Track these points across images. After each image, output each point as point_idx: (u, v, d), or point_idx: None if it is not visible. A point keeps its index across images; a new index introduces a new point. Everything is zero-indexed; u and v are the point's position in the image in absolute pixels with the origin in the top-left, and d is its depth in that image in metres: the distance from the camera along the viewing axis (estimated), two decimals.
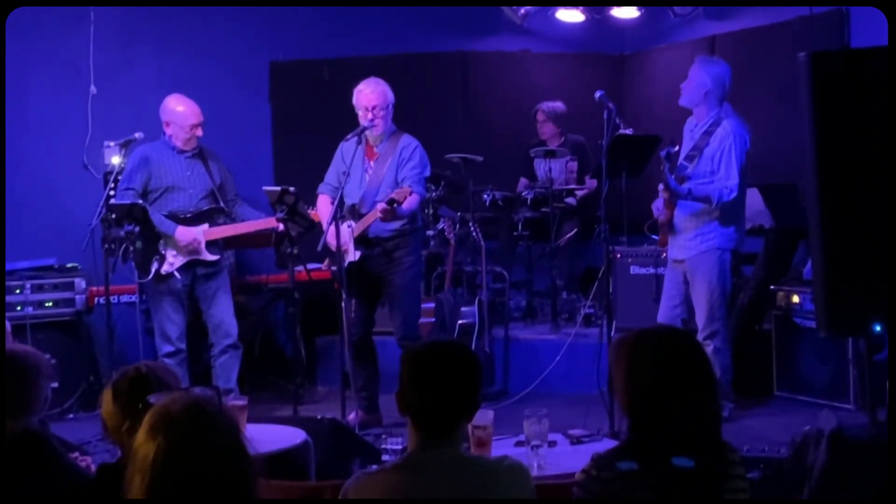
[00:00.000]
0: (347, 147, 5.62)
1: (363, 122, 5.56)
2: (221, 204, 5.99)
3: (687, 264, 5.49)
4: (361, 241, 5.55)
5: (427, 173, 5.68)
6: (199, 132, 5.91)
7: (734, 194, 5.32)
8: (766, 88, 6.97)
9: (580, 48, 8.32)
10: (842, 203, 4.39)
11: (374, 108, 5.53)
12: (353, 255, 5.55)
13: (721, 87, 5.45)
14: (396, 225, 5.54)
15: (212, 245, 5.91)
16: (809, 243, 4.96)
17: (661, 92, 6.88)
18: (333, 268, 5.59)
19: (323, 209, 5.69)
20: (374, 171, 5.63)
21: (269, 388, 6.72)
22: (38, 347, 3.35)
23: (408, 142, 5.62)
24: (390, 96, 5.60)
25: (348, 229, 5.55)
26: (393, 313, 5.68)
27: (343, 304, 5.53)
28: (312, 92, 7.92)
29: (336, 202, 5.43)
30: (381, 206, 5.30)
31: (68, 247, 6.54)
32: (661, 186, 5.33)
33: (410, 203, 5.42)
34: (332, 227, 5.37)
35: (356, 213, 5.60)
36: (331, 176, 5.77)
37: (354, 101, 5.62)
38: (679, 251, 5.52)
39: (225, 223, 5.98)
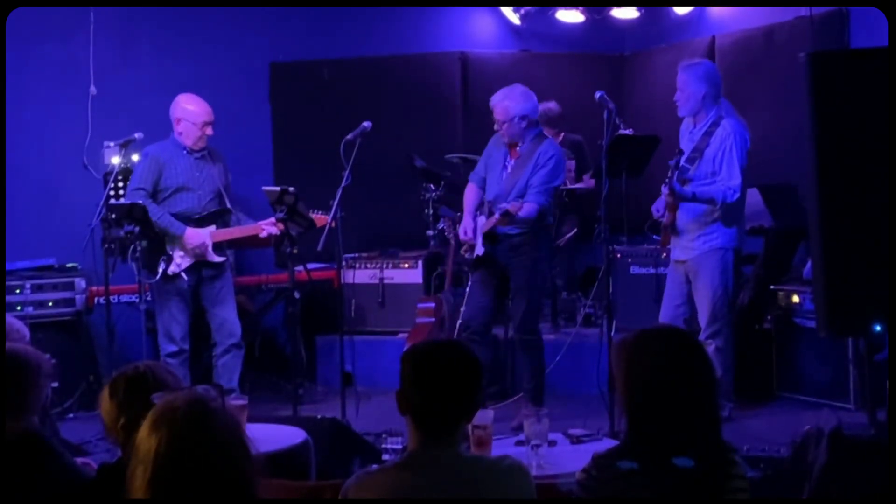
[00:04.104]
0: (493, 142, 5.82)
1: None
2: (227, 205, 5.99)
3: (690, 264, 5.49)
4: (488, 236, 5.65)
5: (556, 183, 5.68)
6: (210, 131, 5.89)
7: (737, 194, 5.32)
8: (765, 88, 6.97)
9: (580, 48, 8.31)
10: (842, 203, 4.40)
11: (500, 122, 5.66)
12: (479, 249, 5.67)
13: (715, 86, 5.44)
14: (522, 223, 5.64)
15: (217, 247, 5.91)
16: (809, 243, 4.96)
17: (661, 92, 6.87)
18: (467, 255, 5.79)
19: (467, 197, 5.85)
20: (512, 170, 5.71)
21: (269, 388, 6.72)
22: (38, 347, 3.35)
23: (546, 149, 5.65)
24: (518, 109, 5.61)
25: (481, 221, 5.69)
26: (513, 306, 5.75)
27: (468, 290, 5.85)
28: (312, 92, 7.92)
29: (333, 208, 5.46)
30: (495, 216, 5.45)
31: (68, 247, 6.53)
32: (665, 190, 5.33)
33: (527, 211, 5.49)
34: (468, 218, 5.68)
35: (490, 210, 5.68)
36: (480, 165, 5.93)
37: None
38: (682, 252, 5.52)
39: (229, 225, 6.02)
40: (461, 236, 5.76)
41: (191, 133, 5.85)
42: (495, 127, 5.70)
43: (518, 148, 5.70)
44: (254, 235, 5.91)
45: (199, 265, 5.88)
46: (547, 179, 5.58)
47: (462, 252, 5.88)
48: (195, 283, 5.91)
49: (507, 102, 5.63)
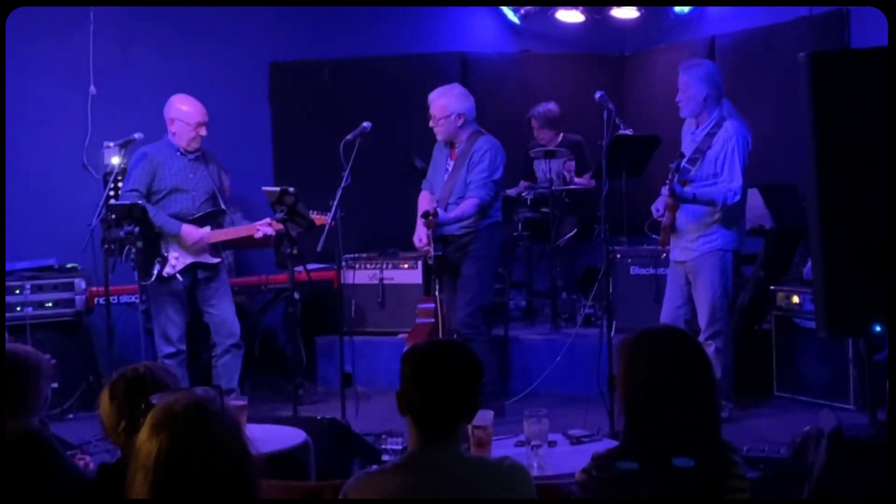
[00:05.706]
0: (437, 147, 5.96)
1: None
2: (222, 206, 6.00)
3: (689, 265, 5.49)
4: (439, 239, 5.73)
5: (496, 177, 5.77)
6: (204, 132, 5.90)
7: (738, 197, 5.32)
8: (766, 88, 6.97)
9: (580, 49, 8.32)
10: (842, 203, 4.39)
11: (436, 119, 5.79)
12: (433, 253, 5.76)
13: (717, 87, 5.44)
14: (467, 222, 5.71)
15: (213, 248, 5.91)
16: (809, 243, 4.97)
17: (661, 92, 6.88)
18: (429, 261, 5.85)
19: (420, 205, 5.94)
20: (452, 171, 5.83)
21: (269, 388, 6.72)
22: (38, 347, 3.35)
23: (481, 144, 5.76)
24: (455, 106, 5.76)
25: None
26: (457, 299, 5.79)
27: (437, 294, 5.86)
28: (312, 92, 7.92)
29: (333, 208, 5.46)
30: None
31: (68, 247, 6.52)
32: (665, 191, 5.33)
33: (465, 208, 5.65)
34: (420, 225, 5.72)
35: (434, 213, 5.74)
36: (430, 171, 6.07)
37: None
38: (682, 253, 5.52)
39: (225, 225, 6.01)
40: (416, 244, 5.84)
41: (184, 133, 5.86)
42: (430, 124, 5.82)
43: (457, 149, 5.81)
44: (250, 236, 5.93)
45: (195, 267, 5.88)
46: (486, 175, 5.70)
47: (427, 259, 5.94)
48: (190, 285, 5.92)
49: (445, 100, 5.78)
